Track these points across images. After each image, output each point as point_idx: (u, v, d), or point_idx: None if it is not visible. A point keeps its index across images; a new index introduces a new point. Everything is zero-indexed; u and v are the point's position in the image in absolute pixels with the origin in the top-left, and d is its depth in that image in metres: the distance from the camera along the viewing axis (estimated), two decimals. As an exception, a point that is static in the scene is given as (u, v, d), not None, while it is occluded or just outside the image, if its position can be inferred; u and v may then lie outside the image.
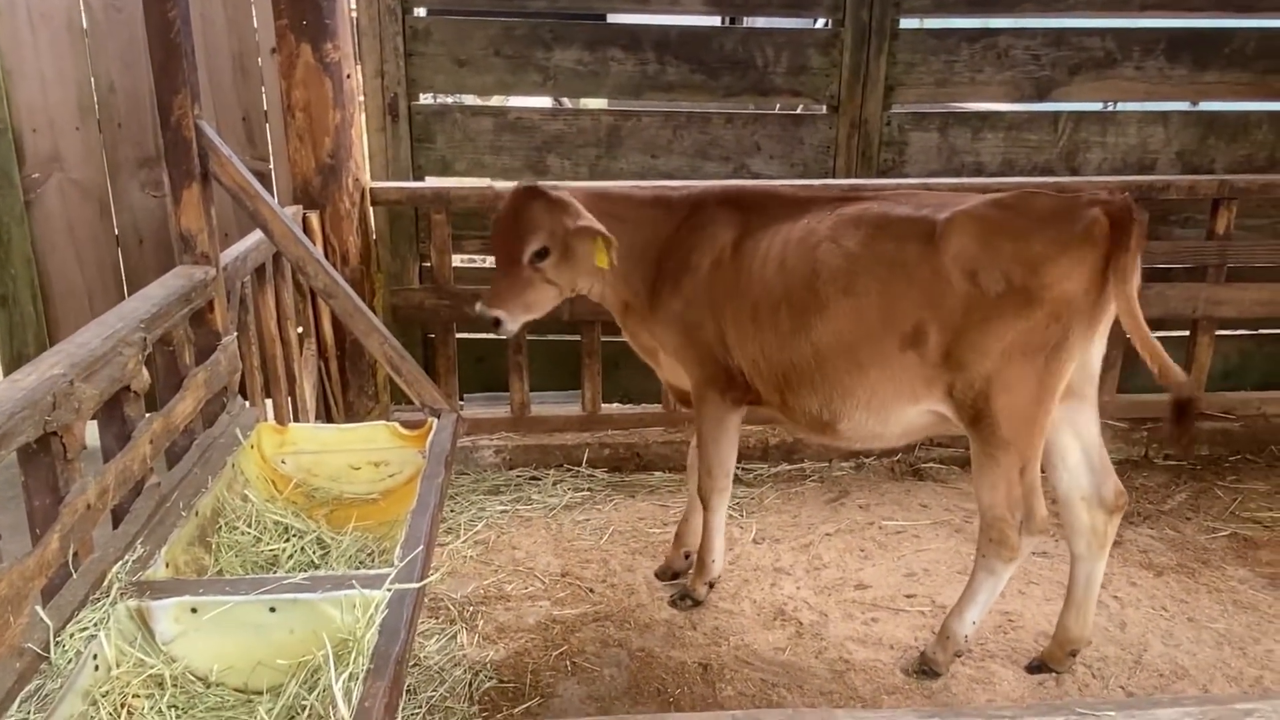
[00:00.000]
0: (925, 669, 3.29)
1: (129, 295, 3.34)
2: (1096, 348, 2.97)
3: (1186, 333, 4.92)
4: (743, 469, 4.64)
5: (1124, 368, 4.90)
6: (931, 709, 1.09)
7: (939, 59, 4.87)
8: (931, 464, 4.79)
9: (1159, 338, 5.18)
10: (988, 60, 4.89)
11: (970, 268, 2.84)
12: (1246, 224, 4.91)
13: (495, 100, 7.06)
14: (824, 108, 4.94)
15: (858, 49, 4.80)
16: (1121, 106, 5.38)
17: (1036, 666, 3.34)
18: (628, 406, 5.02)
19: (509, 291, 3.35)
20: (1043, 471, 3.11)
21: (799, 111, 5.26)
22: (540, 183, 3.41)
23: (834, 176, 4.92)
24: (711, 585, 3.73)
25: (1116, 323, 2.91)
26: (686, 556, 3.84)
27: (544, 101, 7.71)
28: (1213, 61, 4.96)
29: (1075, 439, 3.12)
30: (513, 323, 3.39)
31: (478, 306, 3.38)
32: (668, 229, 3.44)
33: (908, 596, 3.75)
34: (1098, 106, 5.43)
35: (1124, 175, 4.96)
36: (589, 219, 3.25)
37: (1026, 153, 5.03)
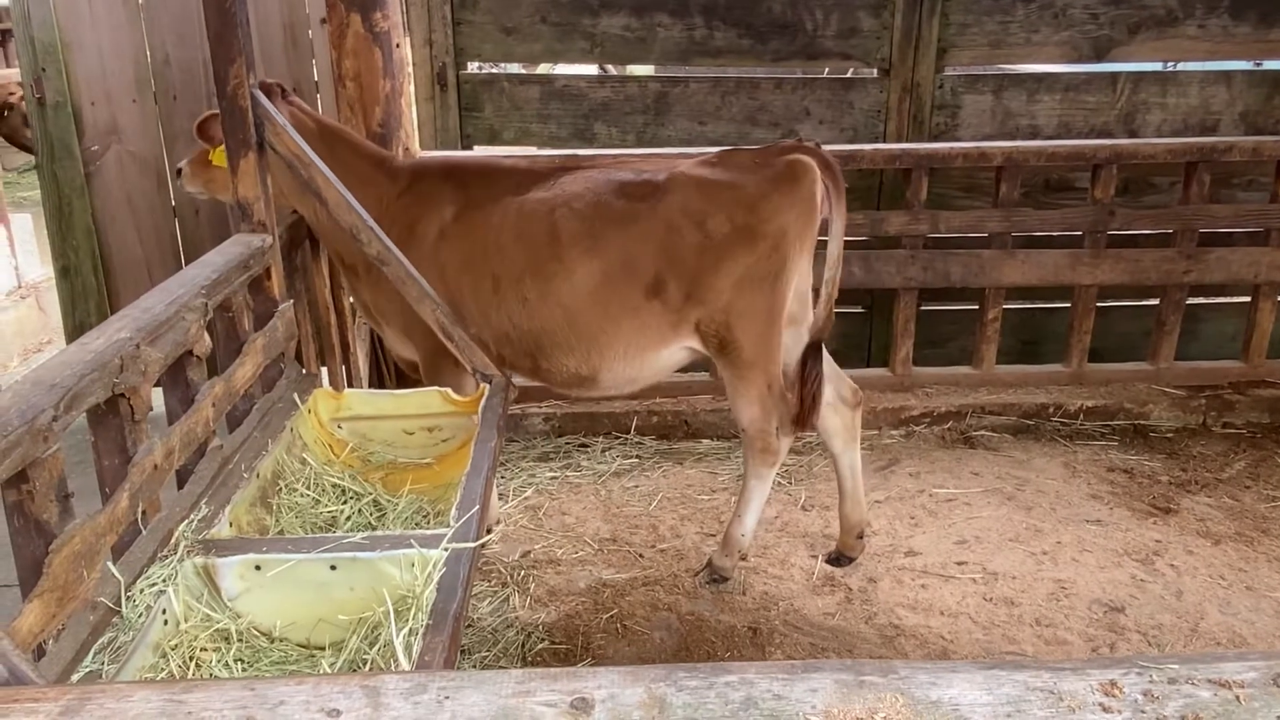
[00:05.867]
0: (715, 576, 3.60)
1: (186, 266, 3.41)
2: (805, 273, 3.36)
3: (1248, 298, 4.81)
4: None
5: (1181, 335, 4.82)
6: (993, 661, 1.08)
7: (993, 19, 4.77)
8: (984, 432, 4.75)
9: (1221, 303, 5.16)
10: (1044, 20, 4.78)
11: (698, 217, 3.20)
12: (1313, 186, 4.77)
13: (542, 68, 7.04)
14: (875, 71, 4.87)
15: (910, 10, 4.71)
16: (1183, 66, 5.24)
17: (834, 559, 3.72)
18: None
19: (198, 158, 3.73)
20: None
21: (849, 75, 5.19)
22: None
23: (884, 141, 4.86)
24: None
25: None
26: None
27: (590, 69, 7.69)
28: (1278, 19, 4.80)
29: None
30: (190, 183, 3.78)
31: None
32: (389, 194, 3.50)
33: (958, 564, 3.73)
34: (1158, 66, 5.28)
35: (1185, 137, 4.84)
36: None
37: (1084, 115, 4.92)
